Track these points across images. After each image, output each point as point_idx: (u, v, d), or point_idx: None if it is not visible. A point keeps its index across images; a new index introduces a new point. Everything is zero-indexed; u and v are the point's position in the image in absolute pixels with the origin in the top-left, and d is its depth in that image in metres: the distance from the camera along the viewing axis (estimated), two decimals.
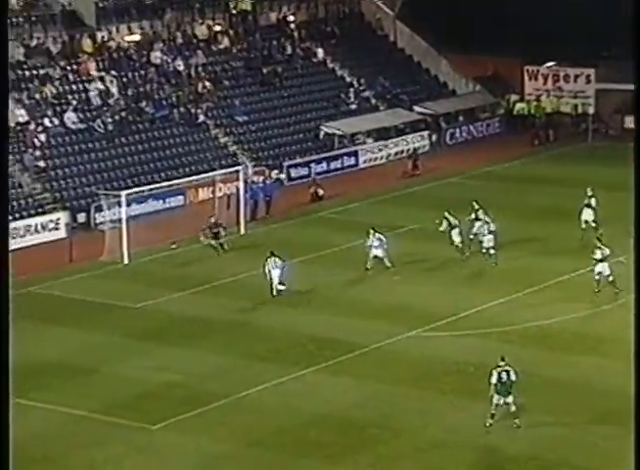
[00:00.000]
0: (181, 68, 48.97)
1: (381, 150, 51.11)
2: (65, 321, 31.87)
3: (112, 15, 49.09)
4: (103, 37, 48.10)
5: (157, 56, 48.75)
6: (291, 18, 54.62)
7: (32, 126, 43.00)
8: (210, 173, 42.85)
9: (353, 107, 52.89)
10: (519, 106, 56.09)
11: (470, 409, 25.20)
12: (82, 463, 23.64)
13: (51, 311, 32.79)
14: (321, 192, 44.84)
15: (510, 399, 24.16)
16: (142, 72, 47.90)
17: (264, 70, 51.52)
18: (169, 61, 48.96)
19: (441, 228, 36.60)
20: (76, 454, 23.96)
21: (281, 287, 33.21)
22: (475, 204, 37.17)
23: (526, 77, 56.62)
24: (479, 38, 52.75)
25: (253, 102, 50.51)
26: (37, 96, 44.32)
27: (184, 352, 29.50)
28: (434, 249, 37.11)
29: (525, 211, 41.73)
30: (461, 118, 55.02)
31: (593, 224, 37.45)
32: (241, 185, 41.22)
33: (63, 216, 40.27)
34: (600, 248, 32.67)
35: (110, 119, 45.12)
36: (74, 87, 45.64)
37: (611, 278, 32.45)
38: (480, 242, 36.03)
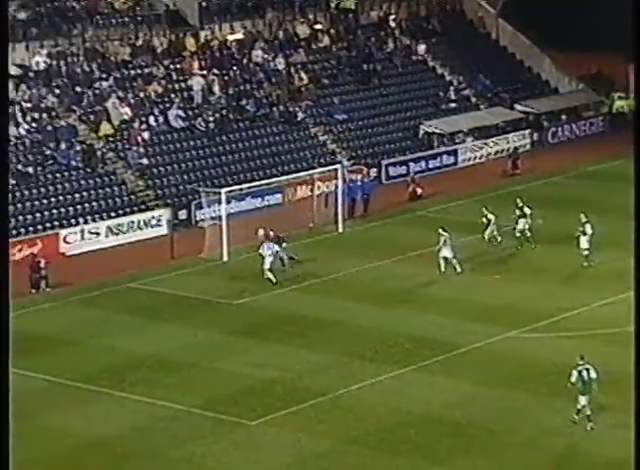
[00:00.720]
0: (281, 66, 49.30)
1: (480, 149, 50.79)
2: (166, 317, 32.35)
3: (214, 14, 49.68)
4: (206, 36, 48.70)
5: (258, 54, 49.16)
6: (392, 16, 54.59)
7: (136, 124, 43.69)
8: (309, 172, 43.09)
9: (453, 105, 52.64)
10: (617, 104, 55.25)
11: (567, 411, 24.94)
12: (182, 457, 23.97)
13: (153, 307, 33.30)
14: (419, 191, 44.74)
15: (585, 399, 23.87)
16: (243, 71, 48.34)
17: (364, 69, 51.59)
18: (270, 59, 49.31)
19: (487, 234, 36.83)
20: (176, 448, 24.29)
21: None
22: (519, 201, 37.31)
23: (632, 75, 55.71)
24: (582, 36, 52.07)
25: (353, 100, 50.61)
26: (142, 95, 45.04)
27: (283, 348, 29.73)
28: (534, 249, 36.80)
29: (629, 212, 41.02)
30: (564, 117, 54.37)
31: None
32: (339, 183, 41.35)
33: (164, 213, 40.87)
34: None
35: (211, 118, 45.63)
36: (177, 86, 46.27)
37: None
38: (527, 239, 36.58)
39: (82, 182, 41.37)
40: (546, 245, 36.26)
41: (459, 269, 34.58)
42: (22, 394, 27.06)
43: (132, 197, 41.88)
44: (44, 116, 42.34)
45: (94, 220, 39.91)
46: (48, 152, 41.45)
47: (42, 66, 43.99)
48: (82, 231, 38.84)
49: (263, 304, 33.25)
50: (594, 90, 56.16)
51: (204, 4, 49.16)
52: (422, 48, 54.18)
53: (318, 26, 52.04)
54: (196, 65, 47.04)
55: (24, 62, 43.85)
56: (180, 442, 24.54)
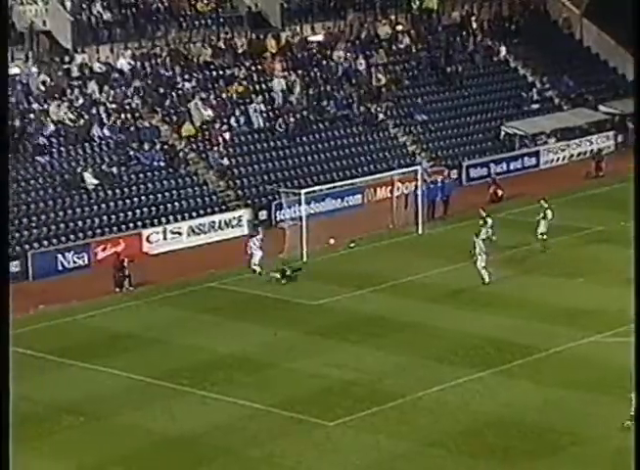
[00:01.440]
0: (362, 67, 49.44)
1: (563, 150, 50.42)
2: (246, 317, 32.69)
3: (296, 15, 50.00)
4: (287, 37, 49.03)
5: (339, 55, 49.35)
6: (473, 16, 54.43)
7: (218, 125, 44.13)
8: (389, 173, 43.18)
9: (535, 106, 52.33)
10: None
11: None
12: (261, 456, 24.23)
13: (233, 307, 33.68)
14: (500, 192, 44.56)
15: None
16: (324, 72, 48.56)
17: (445, 69, 51.52)
18: (351, 60, 49.47)
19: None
20: (256, 447, 24.57)
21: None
22: (543, 202, 37.82)
23: None
24: None
25: (434, 101, 50.58)
26: (223, 95, 45.47)
27: (361, 349, 29.87)
28: (618, 251, 36.44)
29: None
30: None
31: None
32: (419, 185, 41.37)
33: (245, 214, 41.29)
34: None
35: (292, 119, 45.94)
36: (258, 87, 46.66)
37: None
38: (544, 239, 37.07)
39: (165, 183, 41.95)
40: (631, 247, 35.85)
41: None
42: (105, 391, 27.66)
43: (213, 197, 42.36)
44: (128, 116, 42.96)
45: (176, 220, 40.47)
46: (131, 152, 42.11)
47: (126, 67, 44.69)
48: (164, 231, 39.41)
49: (342, 304, 33.43)
50: None
51: (285, 5, 49.53)
52: (504, 48, 53.93)
53: (399, 27, 52.09)
54: (277, 66, 47.39)
55: (109, 63, 44.57)
56: (259, 441, 24.82)
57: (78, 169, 40.42)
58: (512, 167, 48.79)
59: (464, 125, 50.21)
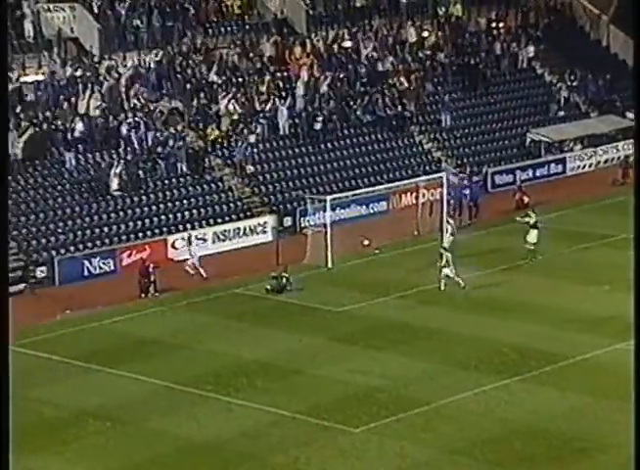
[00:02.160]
0: (388, 73, 49.47)
1: (590, 157, 50.29)
2: (271, 323, 32.79)
3: (322, 21, 50.15)
4: (313, 43, 49.15)
5: (365, 61, 49.45)
6: (500, 22, 54.42)
7: (244, 131, 44.17)
8: (414, 179, 43.22)
9: (562, 113, 52.25)
10: None
11: None
12: (286, 463, 24.31)
13: (258, 313, 33.77)
14: (526, 199, 44.49)
15: None
16: (350, 78, 48.64)
17: (471, 75, 51.52)
18: (377, 66, 49.53)
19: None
20: (280, 454, 24.65)
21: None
22: (531, 212, 38.29)
23: None
24: None
25: (459, 107, 50.58)
26: (249, 101, 45.49)
27: (386, 356, 29.91)
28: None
29: None
30: None
31: None
32: (444, 191, 41.38)
33: (270, 220, 41.41)
34: None
35: (317, 125, 45.99)
36: (284, 93, 46.79)
37: None
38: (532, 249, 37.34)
39: (190, 189, 42.14)
40: None
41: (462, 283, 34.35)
42: (131, 397, 27.81)
43: (238, 203, 42.51)
44: (156, 123, 43.05)
45: (201, 226, 40.64)
46: (158, 158, 42.26)
47: (153, 71, 44.88)
48: (190, 237, 39.56)
49: (367, 311, 33.48)
50: None
51: (311, 12, 49.68)
52: (530, 54, 53.88)
53: (425, 33, 52.15)
54: (303, 72, 47.53)
55: (135, 67, 44.76)
56: (284, 448, 24.90)
57: (104, 175, 40.65)
58: (538, 174, 48.71)
59: (490, 132, 50.19)
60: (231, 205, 42.24)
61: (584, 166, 50.05)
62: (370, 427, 25.69)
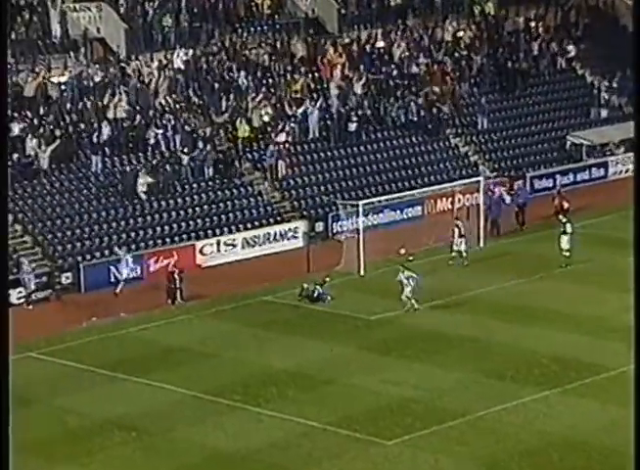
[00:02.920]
0: (423, 74, 49.48)
1: (633, 161, 50.04)
2: (302, 331, 32.86)
3: (353, 21, 50.24)
4: (345, 43, 49.24)
5: (398, 62, 49.46)
6: (539, 21, 54.31)
7: (274, 133, 44.32)
8: (449, 184, 43.19)
9: (603, 115, 52.05)
10: None
11: None
12: None
13: (288, 321, 33.85)
14: (566, 205, 44.32)
15: None
16: (383, 79, 48.67)
17: (509, 76, 51.44)
18: (411, 67, 49.53)
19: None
20: (311, 466, 24.69)
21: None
22: (562, 217, 38.20)
23: None
24: None
25: (496, 109, 50.50)
26: (279, 102, 45.58)
27: (420, 366, 29.89)
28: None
29: None
30: None
31: None
32: (480, 196, 41.34)
33: (301, 225, 41.50)
34: None
35: (350, 127, 46.02)
36: (315, 95, 46.88)
37: None
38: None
39: (219, 193, 42.31)
40: None
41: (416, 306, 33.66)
42: (157, 406, 27.94)
43: (269, 208, 42.63)
44: (185, 127, 43.23)
45: (230, 232, 40.78)
46: (185, 161, 42.45)
47: (181, 71, 45.07)
48: (218, 243, 39.75)
49: (400, 320, 33.49)
50: None
51: (343, 11, 49.78)
52: (571, 54, 53.71)
53: (461, 33, 52.12)
54: (335, 72, 47.62)
55: (163, 68, 44.98)
56: (315, 460, 24.95)
57: (131, 179, 40.88)
58: (579, 179, 48.56)
59: (528, 135, 50.07)
60: (261, 209, 42.37)
61: (627, 171, 49.81)
62: (403, 439, 25.68)
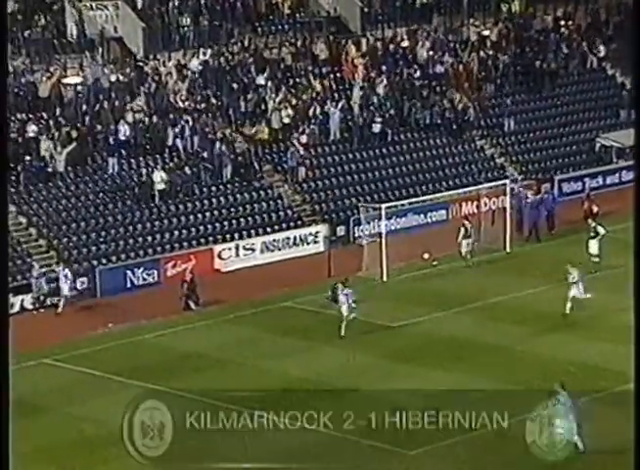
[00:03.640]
0: (448, 74, 49.51)
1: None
2: (322, 338, 32.90)
3: (377, 20, 50.31)
4: (368, 42, 49.33)
5: (422, 62, 49.50)
6: (568, 20, 54.25)
7: (294, 134, 44.41)
8: (475, 187, 43.19)
9: (634, 117, 51.89)
10: None
11: None
12: None
13: (308, 327, 33.91)
14: (596, 208, 44.25)
15: None
16: (407, 79, 48.72)
17: (536, 76, 51.40)
18: (435, 66, 49.57)
19: None
20: None
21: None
22: (590, 221, 38.32)
23: None
24: None
25: (523, 110, 50.48)
26: (300, 102, 45.67)
27: (444, 374, 29.87)
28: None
29: None
30: None
31: None
32: (507, 200, 41.31)
33: (322, 229, 41.57)
34: None
35: (373, 129, 46.07)
36: (337, 95, 46.97)
37: None
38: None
39: (238, 196, 42.44)
40: None
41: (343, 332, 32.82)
42: (178, 414, 28.01)
43: (288, 212, 42.72)
44: (205, 128, 43.42)
45: (249, 236, 40.89)
46: (204, 164, 42.59)
47: (200, 70, 45.25)
48: (237, 247, 39.85)
49: (424, 326, 33.51)
50: None
51: (365, 10, 49.86)
52: (600, 54, 53.63)
53: (486, 32, 52.12)
54: (357, 73, 47.69)
55: (180, 67, 45.19)
56: None
57: (148, 181, 41.06)
58: (609, 182, 48.46)
59: (556, 137, 50.00)
60: (281, 213, 42.47)
61: None
62: (427, 449, 25.67)
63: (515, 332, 32.75)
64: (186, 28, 46.25)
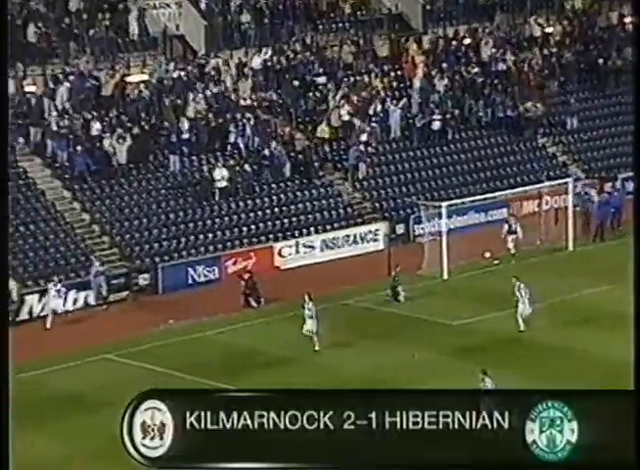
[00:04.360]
0: (510, 71, 49.31)
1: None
2: (382, 336, 33.02)
3: (439, 18, 50.25)
4: (430, 39, 49.29)
5: (485, 59, 49.35)
6: (633, 17, 53.74)
7: (355, 131, 44.47)
8: (537, 185, 43.01)
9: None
10: None
11: None
12: None
13: (369, 325, 34.05)
14: None
15: None
16: (468, 77, 48.60)
17: (600, 73, 51.03)
18: (498, 64, 49.39)
19: None
20: None
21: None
22: None
23: None
24: None
25: (587, 108, 50.15)
26: (361, 100, 45.71)
27: (505, 373, 29.81)
28: None
29: None
30: None
31: None
32: (569, 198, 41.11)
33: (382, 227, 41.63)
34: None
35: (434, 126, 46.01)
36: (398, 93, 46.99)
37: None
38: None
39: (298, 193, 42.64)
40: None
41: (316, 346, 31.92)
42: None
43: (348, 209, 42.84)
44: (266, 128, 43.61)
45: (309, 234, 41.06)
46: (264, 161, 42.84)
47: (261, 68, 45.48)
48: (297, 244, 40.04)
49: (484, 325, 33.48)
50: None
51: (427, 7, 49.82)
52: None
53: (550, 29, 51.84)
54: (418, 70, 47.67)
55: (245, 64, 45.43)
56: None
57: (209, 179, 41.37)
58: None
59: (620, 135, 49.58)
60: (340, 211, 42.60)
61: None
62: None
63: (578, 332, 32.62)
64: (247, 27, 46.51)
